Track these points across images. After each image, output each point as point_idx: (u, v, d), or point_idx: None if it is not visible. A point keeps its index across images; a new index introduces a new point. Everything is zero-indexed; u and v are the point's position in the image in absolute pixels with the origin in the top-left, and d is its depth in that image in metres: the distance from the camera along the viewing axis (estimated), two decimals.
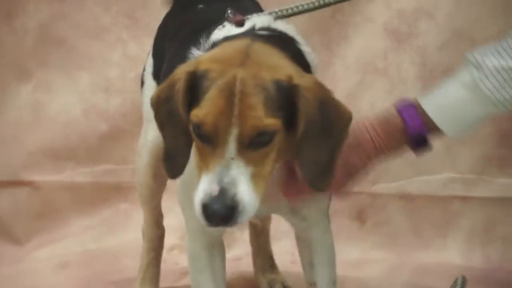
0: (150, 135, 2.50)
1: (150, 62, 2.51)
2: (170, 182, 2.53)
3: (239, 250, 3.05)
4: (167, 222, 2.71)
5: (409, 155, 2.76)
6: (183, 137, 1.81)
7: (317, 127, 1.78)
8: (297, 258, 2.60)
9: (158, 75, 2.42)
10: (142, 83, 2.55)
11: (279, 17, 2.08)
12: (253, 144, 1.70)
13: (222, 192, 1.67)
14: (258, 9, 2.29)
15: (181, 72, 1.80)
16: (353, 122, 1.88)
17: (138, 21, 3.19)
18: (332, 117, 1.80)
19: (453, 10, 3.07)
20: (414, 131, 2.02)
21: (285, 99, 1.75)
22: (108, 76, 3.28)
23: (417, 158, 2.74)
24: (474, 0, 3.10)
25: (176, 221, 2.85)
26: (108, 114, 3.29)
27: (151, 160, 2.53)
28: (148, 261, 2.69)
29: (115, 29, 3.24)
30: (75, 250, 3.19)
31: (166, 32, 2.43)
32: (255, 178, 1.71)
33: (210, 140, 1.71)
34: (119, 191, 3.29)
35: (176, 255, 3.07)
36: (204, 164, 1.74)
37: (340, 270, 2.15)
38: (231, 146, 1.69)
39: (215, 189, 1.67)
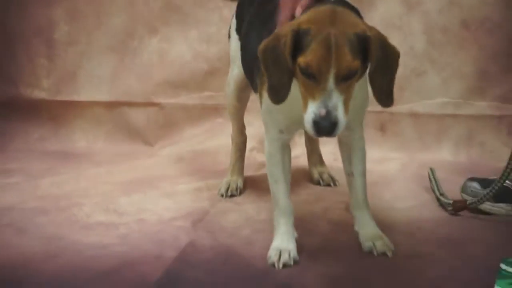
0: (235, 71, 2.86)
1: (234, 21, 2.84)
2: (249, 104, 3.00)
3: (297, 151, 3.38)
4: (248, 131, 3.09)
5: (416, 86, 3.42)
6: (285, 75, 2.08)
7: (381, 63, 2.05)
8: (338, 157, 2.90)
9: (239, 30, 2.75)
10: (229, 36, 2.91)
11: None
12: (344, 79, 2.01)
13: (328, 113, 1.98)
14: None
15: (286, 30, 2.07)
16: None
17: None
18: (390, 55, 2.08)
19: None
20: None
21: (362, 47, 2.02)
22: (209, 32, 3.69)
23: (422, 88, 3.39)
24: None
25: (254, 131, 3.41)
26: (208, 58, 3.70)
27: (236, 88, 2.89)
28: (236, 158, 3.07)
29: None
30: (187, 150, 3.64)
31: (245, 1, 2.72)
32: (344, 102, 2.02)
33: (314, 78, 2.00)
34: (216, 110, 3.72)
35: (255, 154, 3.53)
36: (309, 95, 2.02)
37: (367, 166, 2.46)
38: (331, 81, 1.99)
39: (323, 112, 1.98)
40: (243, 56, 2.63)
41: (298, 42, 2.04)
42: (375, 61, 2.04)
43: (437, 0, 3.50)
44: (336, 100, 2.00)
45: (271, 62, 2.10)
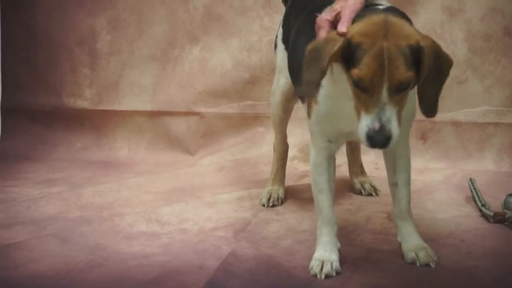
0: (281, 81, 2.87)
1: (280, 31, 2.84)
2: (293, 115, 3.00)
3: (339, 160, 3.03)
4: (289, 140, 3.08)
5: (458, 94, 3.38)
6: (318, 75, 2.07)
7: (433, 73, 2.03)
8: (379, 166, 3.26)
9: (286, 40, 2.76)
10: (275, 45, 2.89)
11: None
12: (397, 91, 2.00)
13: (382, 127, 1.97)
14: None
15: (337, 37, 2.07)
16: None
17: (271, 2, 3.56)
18: (443, 65, 2.06)
19: None
20: None
21: (415, 57, 2.01)
22: (250, 40, 3.68)
23: (464, 96, 3.35)
24: None
25: (295, 140, 3.47)
26: (250, 67, 3.68)
27: (282, 99, 2.90)
28: (277, 167, 3.06)
29: (255, 8, 3.64)
30: (228, 159, 3.63)
31: (292, 11, 2.72)
32: (397, 114, 2.01)
33: (367, 91, 2.00)
34: (257, 119, 3.70)
35: (296, 163, 3.52)
36: (363, 107, 2.02)
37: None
38: (384, 95, 1.98)
39: (377, 126, 1.98)
40: (291, 65, 2.62)
41: (349, 54, 2.04)
42: (427, 71, 2.03)
43: (479, 8, 3.48)
44: (390, 113, 2.00)
45: (312, 61, 2.11)
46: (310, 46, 2.12)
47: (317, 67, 2.09)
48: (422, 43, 2.02)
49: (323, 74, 2.08)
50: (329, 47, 2.06)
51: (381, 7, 2.19)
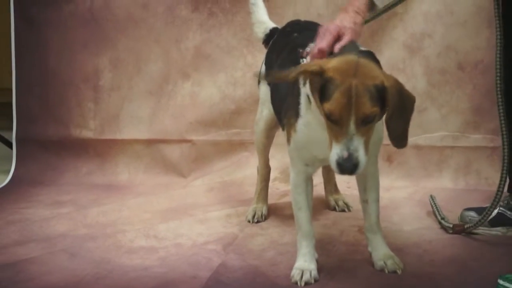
0: (264, 112, 2.85)
1: (263, 68, 2.82)
2: (274, 141, 2.96)
3: (315, 180, 2.98)
4: (271, 164, 3.06)
5: (418, 121, 3.34)
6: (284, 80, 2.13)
7: (398, 109, 2.04)
8: (351, 185, 3.16)
9: None
10: (258, 81, 2.89)
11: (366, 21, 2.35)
12: (363, 124, 1.99)
13: (350, 156, 1.97)
14: None
15: (313, 68, 2.05)
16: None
17: (253, 43, 3.53)
18: (406, 101, 2.06)
19: (444, 33, 3.44)
20: None
21: (380, 95, 2.01)
22: (235, 76, 3.68)
23: (424, 123, 3.33)
24: (457, 27, 3.43)
25: (277, 163, 3.40)
26: (235, 99, 3.68)
27: (265, 127, 2.89)
28: (261, 187, 3.04)
29: (239, 48, 3.65)
30: (217, 180, 3.60)
31: (274, 50, 2.74)
32: (364, 144, 2.00)
33: (337, 123, 2.00)
34: (242, 145, 3.69)
35: (277, 184, 3.50)
36: (333, 137, 2.01)
37: None
38: (352, 127, 1.98)
39: (345, 154, 1.97)
40: (274, 98, 2.62)
41: (324, 88, 2.04)
42: (391, 107, 2.03)
43: (435, 46, 3.50)
44: (357, 143, 1.99)
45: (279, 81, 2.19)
46: (281, 73, 2.16)
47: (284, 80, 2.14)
48: (386, 84, 2.02)
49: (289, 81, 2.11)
50: (304, 78, 2.10)
51: (361, 48, 2.22)
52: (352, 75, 2.01)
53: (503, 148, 2.56)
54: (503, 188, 2.55)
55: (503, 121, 2.54)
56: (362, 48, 2.25)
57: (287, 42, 2.61)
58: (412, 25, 3.52)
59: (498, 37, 2.52)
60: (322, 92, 2.04)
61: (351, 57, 2.08)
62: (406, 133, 2.10)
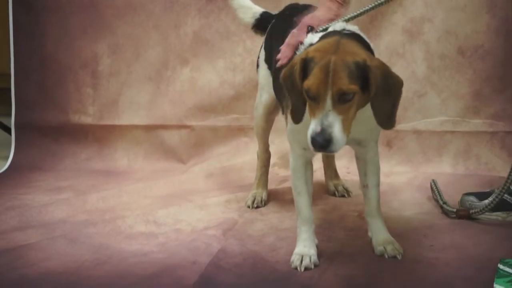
0: (264, 97, 2.84)
1: (262, 52, 2.82)
2: (273, 126, 2.98)
3: (315, 166, 2.99)
4: (270, 149, 3.06)
5: (418, 106, 3.38)
6: (300, 98, 2.10)
7: (382, 91, 2.04)
8: (351, 170, 3.26)
9: (268, 60, 2.76)
10: (258, 65, 2.88)
11: (346, 20, 2.35)
12: (341, 100, 1.99)
13: (323, 131, 1.97)
14: None
15: (297, 59, 2.09)
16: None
17: None
18: (391, 84, 2.06)
19: (444, 18, 3.45)
20: None
21: (361, 74, 2.01)
22: (234, 61, 3.68)
23: (424, 108, 3.37)
24: (456, 11, 3.44)
25: (276, 149, 3.38)
26: (234, 84, 3.69)
27: (264, 112, 2.88)
28: (261, 173, 3.05)
29: (238, 33, 3.64)
30: (216, 166, 3.61)
31: (273, 34, 2.74)
32: (343, 122, 2.00)
33: (315, 99, 2.01)
34: (241, 130, 3.70)
35: (277, 169, 3.50)
36: (312, 114, 2.03)
37: None
38: (328, 103, 1.99)
39: (319, 129, 1.98)
40: (274, 82, 2.61)
41: (305, 69, 2.05)
42: (374, 88, 2.03)
43: (435, 30, 3.50)
44: (333, 120, 2.00)
45: (290, 87, 2.13)
46: (282, 75, 2.16)
47: (296, 92, 2.11)
48: (369, 62, 2.03)
49: (302, 97, 2.09)
50: (295, 71, 2.08)
51: (346, 31, 2.23)
52: (332, 52, 2.04)
53: None
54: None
55: None
56: (351, 30, 2.26)
57: (286, 26, 2.59)
58: (411, 9, 3.52)
59: None
60: (304, 73, 2.06)
61: (333, 38, 2.11)
62: (392, 116, 2.09)
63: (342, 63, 2.00)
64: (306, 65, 2.06)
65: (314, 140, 1.99)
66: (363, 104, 2.08)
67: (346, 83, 1.99)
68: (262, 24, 2.90)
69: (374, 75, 2.02)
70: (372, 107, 2.07)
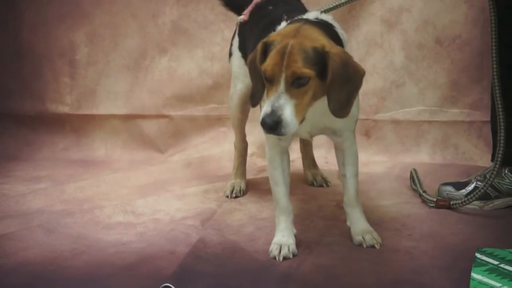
0: (238, 86, 2.85)
1: (236, 39, 2.82)
2: (250, 115, 2.98)
3: (293, 155, 3.02)
4: (248, 139, 3.07)
5: (396, 96, 3.39)
6: (260, 81, 2.12)
7: (340, 79, 2.04)
8: (329, 160, 3.27)
9: (242, 48, 2.76)
10: (230, 54, 2.88)
11: (323, 11, 2.40)
12: (296, 84, 2.00)
13: (273, 112, 1.98)
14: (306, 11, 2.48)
15: (260, 43, 2.12)
16: None
17: (230, 17, 3.23)
18: (351, 72, 2.07)
19: (422, 7, 3.44)
20: None
21: (319, 60, 2.02)
22: (213, 51, 3.68)
23: (401, 98, 3.39)
24: (435, 1, 3.43)
25: (253, 138, 3.44)
26: (212, 74, 3.69)
27: (240, 102, 2.87)
28: (239, 163, 3.05)
29: (216, 22, 3.65)
30: (194, 156, 3.62)
31: (248, 22, 2.71)
32: (296, 107, 2.01)
33: (271, 81, 2.03)
34: (220, 120, 3.70)
35: (255, 159, 3.53)
36: (267, 96, 2.05)
37: None
38: (282, 85, 2.00)
39: (269, 110, 1.99)
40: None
41: (266, 52, 2.07)
42: (331, 75, 2.04)
43: (413, 20, 3.50)
44: (284, 102, 2.00)
45: (252, 71, 2.15)
46: (248, 59, 2.18)
47: (257, 76, 2.12)
48: (327, 49, 2.03)
49: (262, 79, 2.10)
50: (257, 55, 2.10)
51: (316, 20, 2.23)
52: (291, 36, 2.04)
53: (499, 131, 2.60)
54: (497, 168, 2.59)
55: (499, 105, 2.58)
56: (318, 18, 2.26)
57: (262, 14, 2.60)
58: None
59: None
60: (264, 56, 2.07)
61: (297, 24, 2.12)
62: (347, 105, 2.09)
63: (299, 47, 2.01)
64: (266, 49, 2.08)
65: (263, 121, 1.99)
66: (322, 92, 2.08)
67: (300, 66, 2.00)
68: (234, 0, 2.89)
69: (333, 61, 2.03)
70: (327, 93, 2.07)
